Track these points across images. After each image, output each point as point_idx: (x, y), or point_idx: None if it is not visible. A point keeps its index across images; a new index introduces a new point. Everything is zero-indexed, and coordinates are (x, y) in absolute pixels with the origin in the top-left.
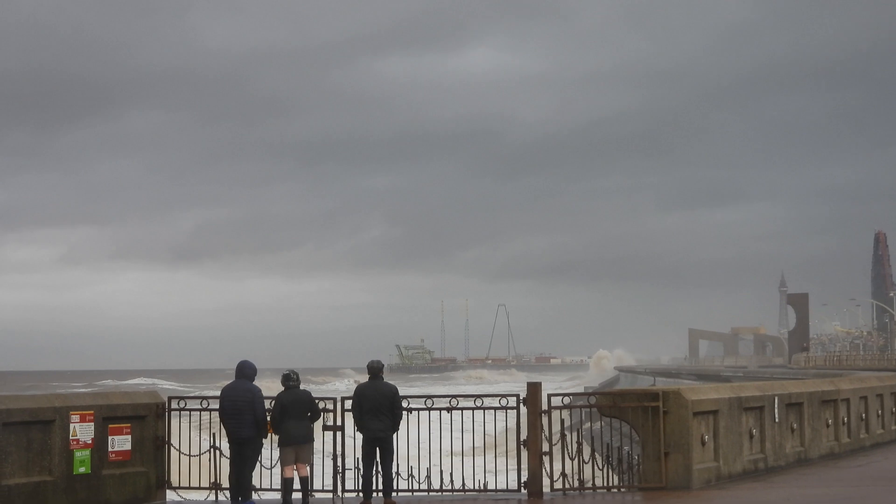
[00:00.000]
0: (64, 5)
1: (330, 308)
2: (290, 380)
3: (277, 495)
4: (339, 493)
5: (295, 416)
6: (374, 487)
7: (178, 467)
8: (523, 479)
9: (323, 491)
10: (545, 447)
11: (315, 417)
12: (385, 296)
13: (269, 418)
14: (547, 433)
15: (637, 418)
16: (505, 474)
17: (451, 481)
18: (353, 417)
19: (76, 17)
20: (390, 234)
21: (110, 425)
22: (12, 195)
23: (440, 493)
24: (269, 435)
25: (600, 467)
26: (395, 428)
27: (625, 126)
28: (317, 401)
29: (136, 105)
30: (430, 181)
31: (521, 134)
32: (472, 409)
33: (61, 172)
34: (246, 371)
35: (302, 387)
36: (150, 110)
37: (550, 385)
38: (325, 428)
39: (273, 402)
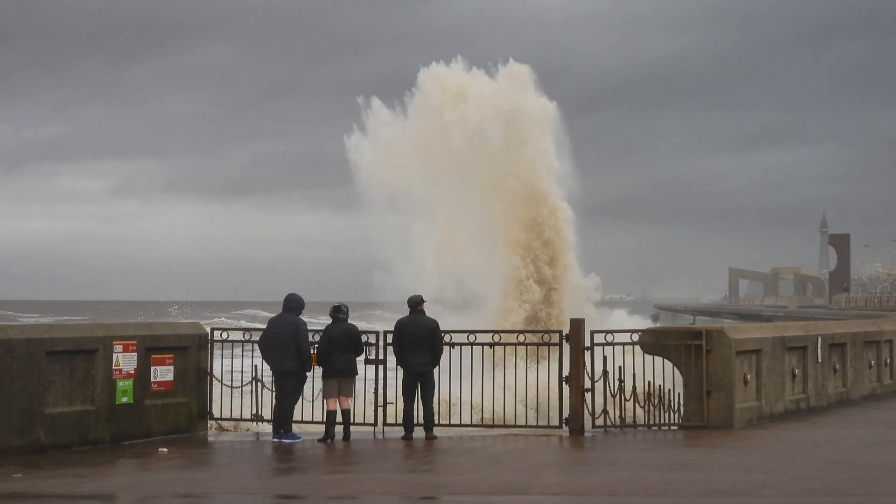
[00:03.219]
0: None
1: (372, 241)
2: (339, 312)
3: (319, 428)
4: (381, 427)
5: (341, 348)
6: (415, 421)
7: (221, 399)
8: (565, 415)
9: (365, 424)
10: (587, 384)
11: (359, 352)
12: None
13: (314, 351)
14: (589, 370)
15: (680, 356)
16: (547, 410)
17: (493, 417)
18: (394, 352)
19: None
20: None
21: (153, 356)
22: (75, 126)
23: (482, 429)
24: (313, 368)
25: (642, 405)
26: (436, 362)
27: (687, 67)
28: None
29: (206, 40)
30: None
31: (587, 71)
32: (515, 344)
33: (125, 105)
34: (292, 304)
35: (350, 320)
36: (218, 45)
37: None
38: (367, 361)
39: (321, 334)
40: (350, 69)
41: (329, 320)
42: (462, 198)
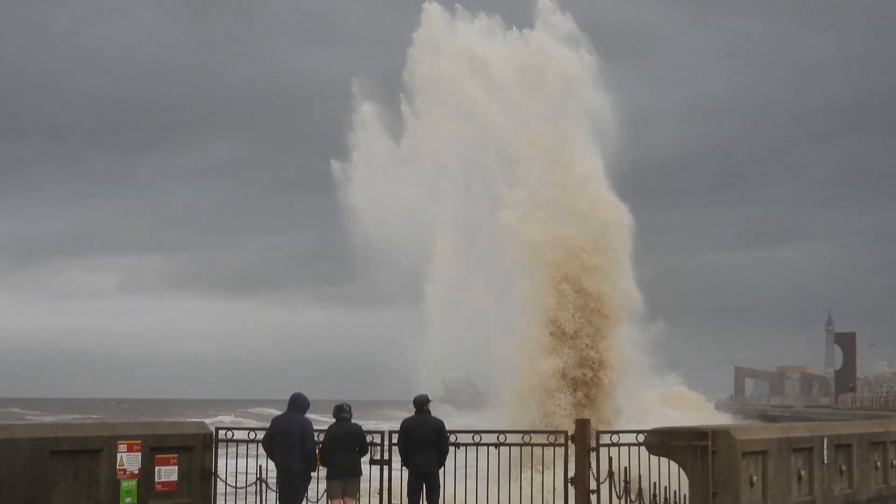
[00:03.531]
0: (152, 32)
1: (383, 340)
2: (342, 411)
3: None
4: None
5: (345, 448)
6: None
7: (225, 499)
8: None
9: None
10: (592, 485)
11: (363, 452)
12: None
13: (318, 450)
14: (595, 471)
15: (686, 457)
16: None
17: None
18: (400, 452)
19: (163, 44)
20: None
21: (157, 455)
22: (84, 221)
23: None
24: (318, 467)
25: None
26: (442, 462)
27: (691, 160)
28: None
29: (217, 134)
30: None
31: None
32: (520, 444)
33: (135, 199)
34: (299, 404)
35: (353, 420)
36: (229, 139)
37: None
38: (372, 462)
39: (324, 434)
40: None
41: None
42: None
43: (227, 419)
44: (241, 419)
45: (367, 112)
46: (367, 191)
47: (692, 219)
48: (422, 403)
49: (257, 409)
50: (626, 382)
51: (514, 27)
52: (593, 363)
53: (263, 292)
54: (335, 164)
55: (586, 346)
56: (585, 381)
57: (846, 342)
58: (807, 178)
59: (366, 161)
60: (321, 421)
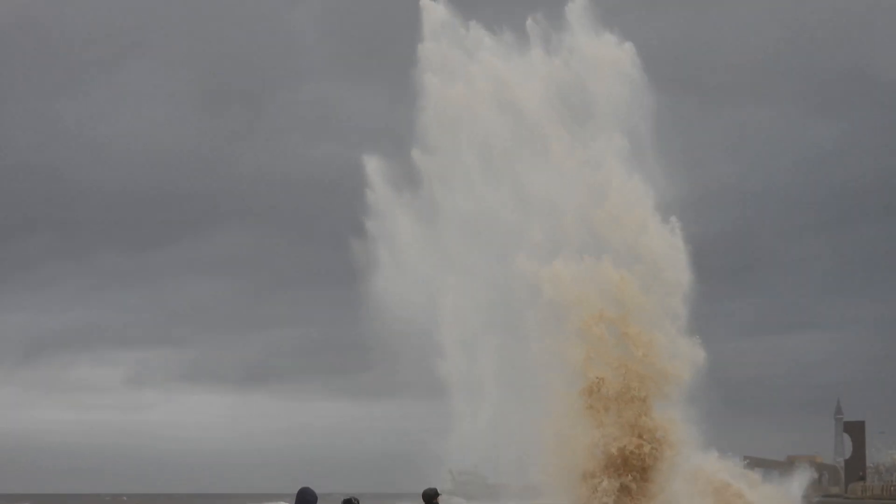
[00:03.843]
0: (163, 126)
1: (392, 431)
2: None
3: None
4: None
5: None
6: None
7: None
8: None
9: None
10: None
11: None
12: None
13: None
14: None
15: None
16: None
17: None
18: None
19: (173, 137)
20: None
21: None
22: (94, 315)
23: None
24: None
25: None
26: None
27: (699, 250)
28: None
29: (227, 225)
30: None
31: None
32: None
33: (144, 292)
34: (307, 498)
35: None
36: (238, 231)
37: None
38: None
39: None
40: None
41: None
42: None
43: None
44: None
45: (380, 192)
46: (382, 277)
47: (697, 307)
48: (430, 497)
49: None
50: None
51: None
52: (647, 435)
53: (272, 384)
54: (353, 245)
55: (637, 412)
56: (636, 459)
57: (855, 431)
58: (813, 265)
59: (383, 244)
60: None
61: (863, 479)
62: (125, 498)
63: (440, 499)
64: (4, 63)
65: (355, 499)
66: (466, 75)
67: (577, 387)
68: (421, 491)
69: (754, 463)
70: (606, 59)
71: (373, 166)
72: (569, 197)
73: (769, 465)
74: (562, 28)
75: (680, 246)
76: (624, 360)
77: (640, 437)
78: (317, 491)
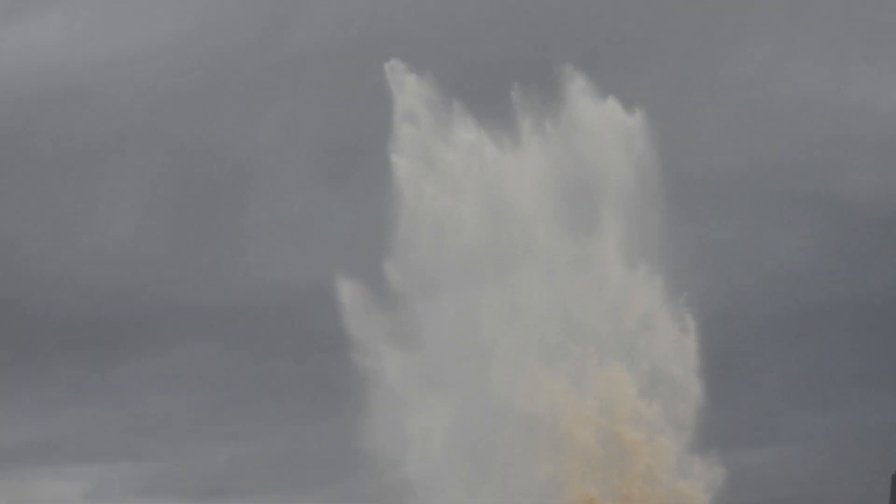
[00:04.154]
0: (128, 248)
1: None
2: None
3: None
4: None
5: None
6: None
7: None
8: None
9: None
10: None
11: None
12: None
13: None
14: None
15: None
16: None
17: None
18: None
19: (139, 258)
20: None
21: None
22: (54, 428)
23: None
24: None
25: None
26: None
27: None
28: None
29: (190, 338)
30: None
31: None
32: None
33: (106, 405)
34: None
35: None
36: (203, 343)
37: None
38: None
39: None
40: (334, 366)
41: None
42: None
43: None
44: None
45: (355, 317)
46: (370, 419)
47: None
48: None
49: None
50: None
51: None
52: None
53: (233, 500)
54: (320, 361)
55: None
56: None
57: None
58: (778, 381)
59: (366, 380)
60: None
61: None
62: None
63: None
64: None
65: None
66: (446, 168)
67: None
68: None
69: None
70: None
71: (346, 289)
72: (561, 300)
73: None
74: (556, 96)
75: (692, 346)
76: (619, 476)
77: None
78: None
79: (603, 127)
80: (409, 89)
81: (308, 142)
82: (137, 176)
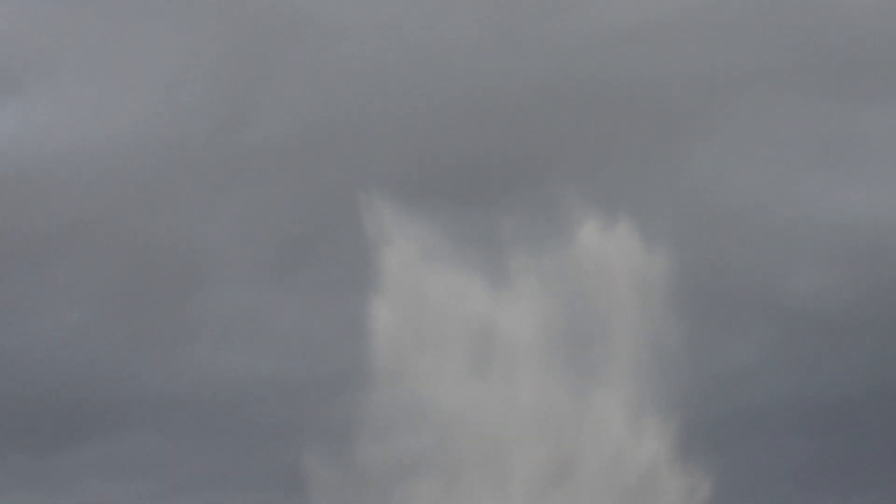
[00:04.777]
0: (76, 333)
1: None
2: None
3: None
4: None
5: None
6: None
7: None
8: None
9: None
10: None
11: None
12: None
13: None
14: None
15: None
16: None
17: None
18: None
19: (87, 344)
20: None
21: None
22: None
23: None
24: None
25: None
26: None
27: None
28: None
29: (132, 429)
30: None
31: None
32: None
33: (48, 492)
34: None
35: None
36: (144, 434)
37: None
38: None
39: None
40: (282, 457)
41: None
42: None
43: None
44: None
45: None
46: None
47: None
48: None
49: None
50: None
51: None
52: None
53: None
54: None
55: None
56: None
57: None
58: (720, 480)
59: None
60: None
61: None
62: None
63: None
64: None
65: None
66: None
67: None
68: None
69: None
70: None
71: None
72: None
73: None
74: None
75: None
76: None
77: None
78: None
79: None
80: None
81: (263, 236)
82: (88, 266)
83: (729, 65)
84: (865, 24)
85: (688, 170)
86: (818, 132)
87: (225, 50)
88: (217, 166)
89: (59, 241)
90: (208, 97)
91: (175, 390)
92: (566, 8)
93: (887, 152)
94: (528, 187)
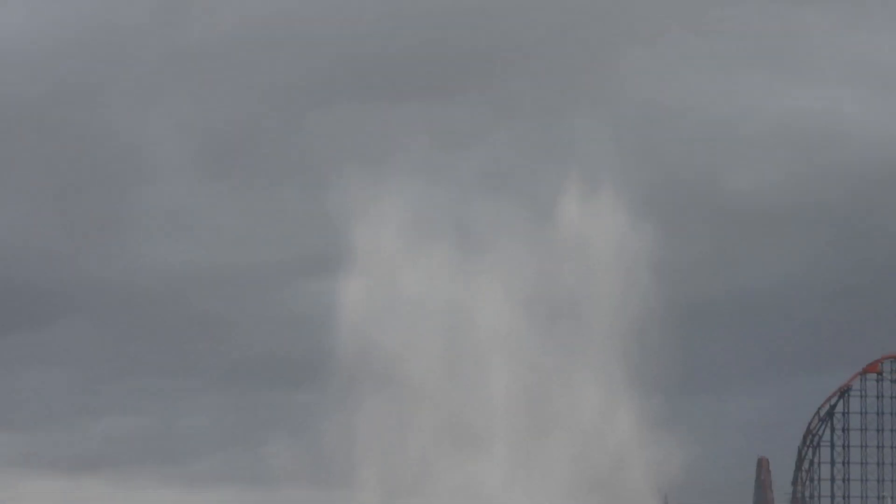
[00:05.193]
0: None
1: None
2: None
3: None
4: None
5: None
6: None
7: None
8: None
9: None
10: None
11: None
12: None
13: None
14: None
15: None
16: None
17: None
18: None
19: (20, 237)
20: (293, 450)
21: None
22: None
23: None
24: None
25: None
26: None
27: None
28: None
29: (68, 317)
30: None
31: None
32: None
33: None
34: None
35: None
36: (79, 322)
37: None
38: None
39: None
40: (212, 348)
41: None
42: None
43: None
44: None
45: None
46: None
47: None
48: None
49: None
50: None
51: None
52: None
53: (105, 472)
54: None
55: None
56: None
57: None
58: (655, 371)
59: None
60: None
61: None
62: None
63: None
64: None
65: None
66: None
67: None
68: None
69: None
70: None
71: None
72: None
73: None
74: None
75: None
76: None
77: None
78: None
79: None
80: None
81: (200, 131)
82: (25, 156)
83: None
84: None
85: (627, 68)
86: (757, 30)
87: None
88: (156, 61)
89: None
90: None
91: (110, 280)
92: None
93: (826, 50)
94: (479, 83)
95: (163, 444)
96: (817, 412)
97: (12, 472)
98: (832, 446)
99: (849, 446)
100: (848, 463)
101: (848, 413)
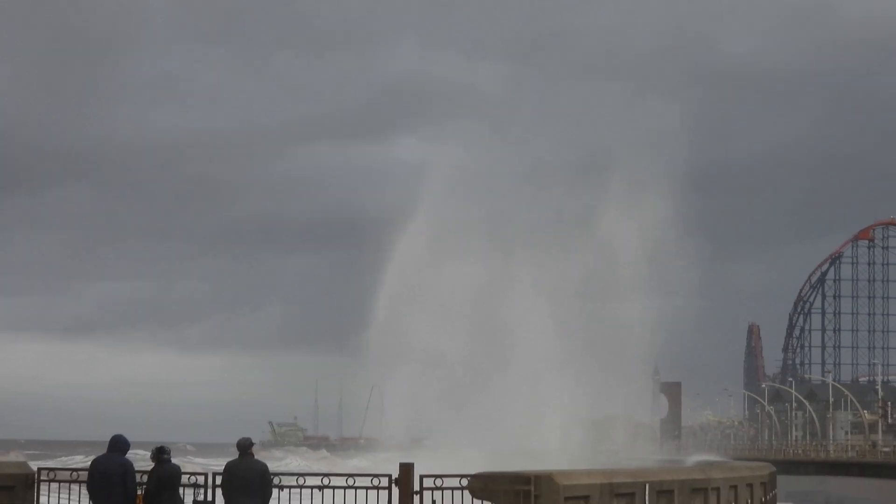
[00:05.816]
0: (6, 91)
1: (218, 384)
2: (163, 453)
3: None
4: None
5: (168, 488)
6: None
7: None
8: None
9: None
10: None
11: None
12: (277, 374)
13: (140, 492)
14: None
15: (509, 502)
16: None
17: None
18: (223, 495)
19: (15, 100)
20: (286, 315)
21: None
22: None
23: None
24: None
25: None
26: None
27: None
28: (189, 475)
29: (64, 182)
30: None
31: None
32: (345, 487)
33: None
34: (119, 445)
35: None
36: (74, 185)
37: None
38: (196, 503)
39: (148, 476)
40: (206, 212)
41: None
42: None
43: (51, 462)
44: (66, 459)
45: None
46: None
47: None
48: (245, 447)
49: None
50: None
51: None
52: None
53: (99, 335)
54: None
55: None
56: None
57: (671, 391)
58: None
59: None
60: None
61: (678, 437)
62: None
63: (253, 449)
64: None
65: (167, 446)
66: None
67: None
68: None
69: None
70: None
71: None
72: None
73: (585, 424)
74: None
75: None
76: None
77: None
78: (133, 440)
79: None
80: None
81: (190, 6)
82: (21, 22)
83: None
84: None
85: None
86: None
87: None
88: None
89: None
90: None
91: (106, 144)
92: None
93: None
94: None
95: (157, 309)
96: (808, 279)
97: (6, 336)
98: (823, 313)
99: (840, 314)
100: (839, 330)
101: (839, 280)
